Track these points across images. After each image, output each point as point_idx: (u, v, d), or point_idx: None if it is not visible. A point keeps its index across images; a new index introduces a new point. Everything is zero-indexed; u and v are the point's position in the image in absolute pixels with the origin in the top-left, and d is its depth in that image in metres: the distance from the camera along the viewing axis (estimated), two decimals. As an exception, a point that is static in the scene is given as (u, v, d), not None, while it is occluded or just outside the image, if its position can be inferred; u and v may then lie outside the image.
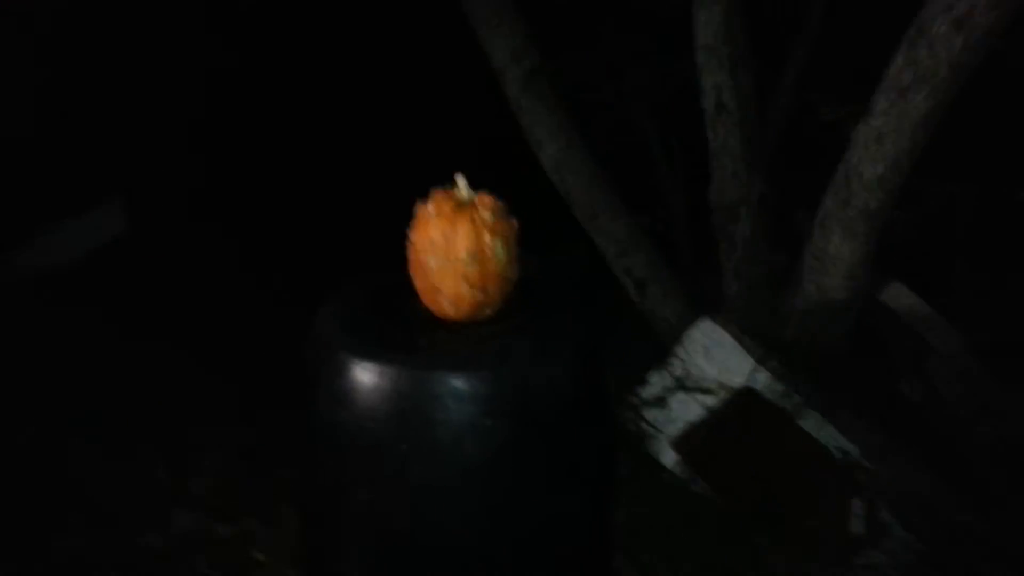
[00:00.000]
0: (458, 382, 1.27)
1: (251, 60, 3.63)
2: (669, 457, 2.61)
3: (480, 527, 1.31)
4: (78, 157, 3.18)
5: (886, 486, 2.28)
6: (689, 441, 2.61)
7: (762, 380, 2.60)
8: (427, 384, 1.28)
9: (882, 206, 2.36)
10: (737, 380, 2.63)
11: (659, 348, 2.88)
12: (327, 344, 1.36)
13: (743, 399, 2.61)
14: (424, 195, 1.41)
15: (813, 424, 2.49)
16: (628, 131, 3.42)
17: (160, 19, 3.38)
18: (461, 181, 1.41)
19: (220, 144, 3.54)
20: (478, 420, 1.27)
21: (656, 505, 2.43)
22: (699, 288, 3.14)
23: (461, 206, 1.38)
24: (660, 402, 2.73)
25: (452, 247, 1.36)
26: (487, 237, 1.36)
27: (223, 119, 3.55)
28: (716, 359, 2.72)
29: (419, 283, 1.41)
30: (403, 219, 1.42)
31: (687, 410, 2.68)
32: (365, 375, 1.29)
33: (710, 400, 2.67)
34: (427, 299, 1.41)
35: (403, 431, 1.28)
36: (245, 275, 3.31)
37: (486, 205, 1.39)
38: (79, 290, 3.12)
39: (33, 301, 3.02)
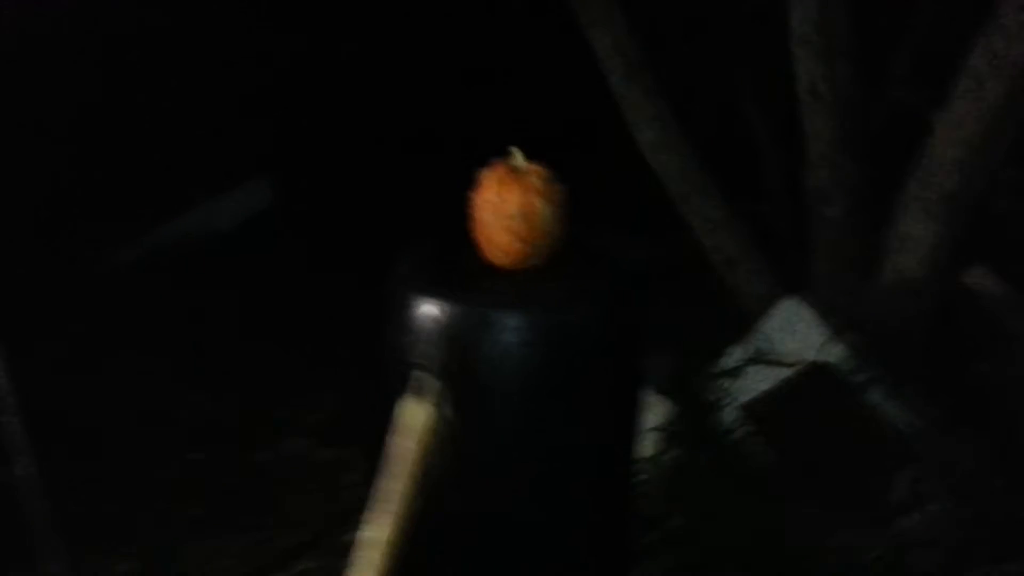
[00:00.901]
0: (499, 316, 1.53)
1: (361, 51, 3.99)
2: (734, 421, 2.75)
3: (513, 441, 1.56)
4: (229, 137, 3.64)
5: (936, 459, 2.34)
6: (757, 407, 2.74)
7: (835, 354, 2.70)
8: (472, 318, 1.54)
9: (961, 189, 2.41)
10: (813, 354, 2.74)
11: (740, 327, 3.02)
12: (399, 284, 1.64)
13: (814, 371, 2.73)
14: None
15: (877, 399, 2.58)
16: (731, 115, 3.54)
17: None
18: (516, 152, 1.65)
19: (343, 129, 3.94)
20: (516, 349, 1.52)
21: (713, 462, 2.59)
22: (792, 267, 3.24)
23: (514, 172, 1.62)
24: (737, 372, 2.88)
25: (504, 205, 1.60)
26: (534, 198, 1.60)
27: (345, 105, 3.95)
28: (796, 335, 2.83)
29: (478, 236, 1.67)
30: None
31: (761, 380, 2.81)
32: (424, 309, 1.57)
33: (784, 372, 2.79)
34: (484, 249, 1.67)
35: (451, 355, 1.54)
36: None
37: (536, 172, 1.62)
38: (229, 259, 3.58)
39: (187, 267, 3.48)
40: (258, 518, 2.53)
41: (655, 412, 2.79)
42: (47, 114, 3.05)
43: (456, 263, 1.69)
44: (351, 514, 2.49)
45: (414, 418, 1.47)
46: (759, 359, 2.85)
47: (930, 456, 2.43)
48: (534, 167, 1.64)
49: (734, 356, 2.90)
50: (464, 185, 1.69)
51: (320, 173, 4.02)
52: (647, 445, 2.71)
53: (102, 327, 2.93)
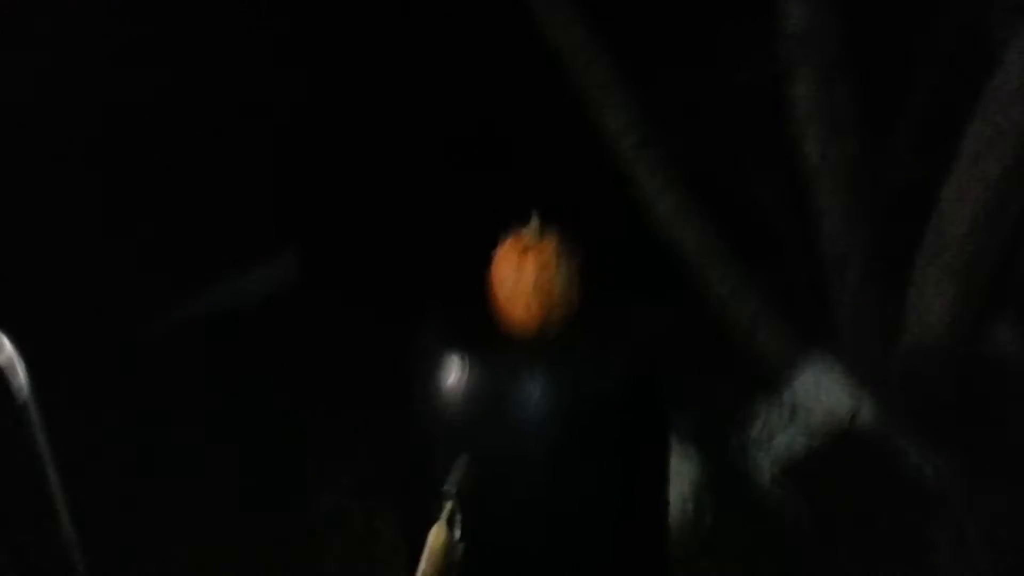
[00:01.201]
0: (524, 375, 1.61)
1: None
2: (770, 481, 2.77)
3: (534, 496, 1.63)
4: (258, 212, 3.79)
5: (977, 517, 2.34)
6: (791, 466, 2.76)
7: (867, 415, 2.73)
8: (499, 377, 1.64)
9: (972, 257, 2.48)
10: (844, 414, 2.77)
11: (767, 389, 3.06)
12: (426, 349, 1.73)
13: (847, 432, 2.75)
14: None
15: (910, 460, 2.59)
16: (746, 185, 3.65)
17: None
18: (534, 221, 1.74)
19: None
20: (533, 412, 1.60)
21: (748, 519, 2.60)
22: (814, 332, 3.29)
23: (528, 247, 1.72)
24: (767, 435, 2.91)
25: (520, 282, 1.70)
26: (549, 272, 1.70)
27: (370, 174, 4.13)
28: (823, 398, 2.88)
29: (497, 308, 1.76)
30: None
31: (792, 443, 2.84)
32: (452, 371, 1.66)
33: (816, 436, 2.82)
34: (504, 320, 1.75)
35: (477, 415, 1.62)
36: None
37: (551, 244, 1.72)
38: (258, 329, 3.69)
39: (215, 340, 3.58)
40: (298, 568, 2.59)
41: (684, 464, 2.81)
42: (68, 186, 3.20)
43: (478, 331, 1.78)
44: (384, 558, 2.55)
45: (436, 540, 1.55)
46: (786, 422, 2.89)
47: (968, 515, 2.44)
48: (549, 239, 1.74)
49: (761, 419, 2.94)
50: (485, 252, 1.79)
51: (347, 243, 4.16)
52: (680, 500, 2.72)
53: (131, 398, 3.02)
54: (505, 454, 1.61)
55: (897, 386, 2.77)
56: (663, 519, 1.87)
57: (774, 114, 3.06)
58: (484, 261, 1.79)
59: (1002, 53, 2.20)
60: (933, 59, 3.26)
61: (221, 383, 3.25)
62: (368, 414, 3.23)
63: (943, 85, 3.19)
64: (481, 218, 2.01)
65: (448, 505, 1.55)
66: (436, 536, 1.54)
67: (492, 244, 1.78)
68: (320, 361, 3.52)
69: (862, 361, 2.96)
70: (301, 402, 3.34)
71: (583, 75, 3.13)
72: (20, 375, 1.84)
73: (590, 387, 1.64)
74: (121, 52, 3.31)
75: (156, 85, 3.53)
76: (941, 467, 2.51)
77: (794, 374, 2.95)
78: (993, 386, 2.83)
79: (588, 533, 1.67)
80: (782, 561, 2.41)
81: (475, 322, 1.80)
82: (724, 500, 2.68)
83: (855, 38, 2.95)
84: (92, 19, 3.21)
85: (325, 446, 3.23)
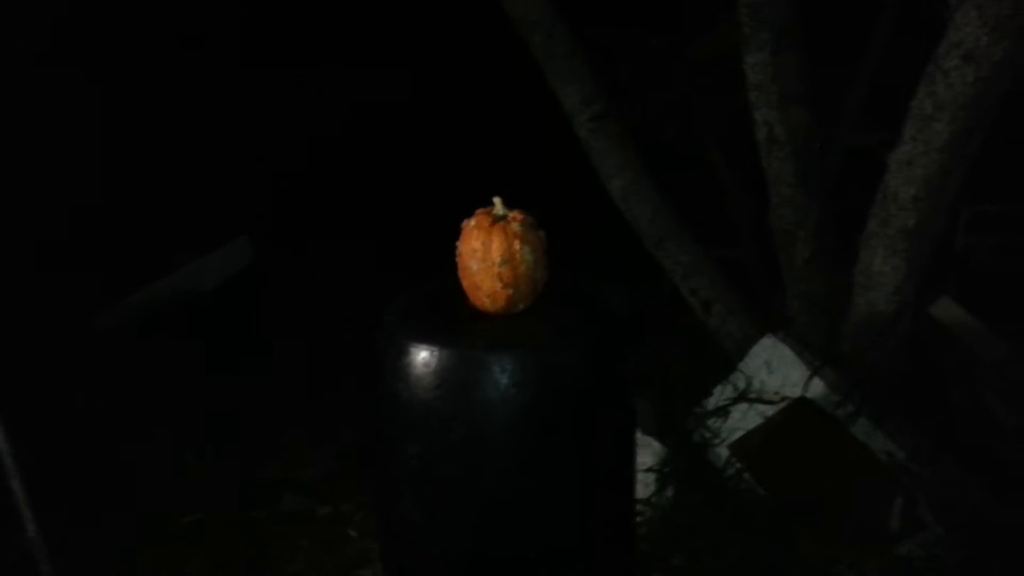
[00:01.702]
0: (489, 360, 1.60)
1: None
2: (724, 460, 2.81)
3: (506, 478, 1.61)
4: (211, 198, 3.73)
5: (927, 486, 2.41)
6: (745, 445, 2.81)
7: (817, 390, 2.78)
8: (465, 361, 1.61)
9: (919, 224, 2.53)
10: (795, 391, 2.82)
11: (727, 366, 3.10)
12: (391, 332, 1.70)
13: (799, 407, 2.80)
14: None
15: (863, 430, 2.65)
16: (698, 162, 3.68)
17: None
18: (497, 200, 1.74)
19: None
20: (505, 391, 1.58)
21: (706, 502, 2.64)
22: (766, 307, 3.34)
23: (496, 220, 1.71)
24: (722, 412, 2.94)
25: (488, 252, 1.68)
26: (517, 244, 1.68)
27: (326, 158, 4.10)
28: (777, 372, 2.92)
29: (464, 283, 1.74)
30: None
31: (746, 419, 2.88)
32: (419, 355, 1.63)
33: (769, 410, 2.87)
34: (471, 296, 1.74)
35: (446, 398, 1.60)
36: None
37: (517, 219, 1.71)
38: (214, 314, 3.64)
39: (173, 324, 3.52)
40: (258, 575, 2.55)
41: (646, 453, 2.85)
42: (31, 174, 3.12)
43: (444, 310, 1.77)
44: (350, 569, 2.53)
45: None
46: (743, 398, 2.93)
47: (919, 484, 2.50)
48: (516, 214, 1.73)
49: (719, 396, 2.98)
50: (449, 233, 1.77)
51: (302, 227, 4.13)
52: (640, 486, 2.75)
53: (87, 389, 2.96)
54: (473, 436, 1.59)
55: (847, 359, 2.82)
56: (630, 498, 1.88)
57: (730, 84, 3.09)
58: (449, 241, 1.77)
59: (949, 16, 2.23)
60: (886, 25, 3.32)
61: (174, 375, 3.20)
62: (333, 408, 3.20)
63: (897, 52, 3.24)
64: (451, 199, 2.00)
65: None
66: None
67: (456, 225, 1.77)
68: (288, 349, 3.49)
69: (813, 334, 3.01)
70: (266, 395, 3.29)
71: (541, 47, 3.12)
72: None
73: (555, 363, 1.62)
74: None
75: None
76: (893, 442, 2.56)
77: (748, 353, 2.99)
78: (939, 357, 2.90)
79: (556, 512, 1.66)
80: (747, 545, 2.44)
81: (441, 301, 1.79)
82: (686, 484, 2.70)
83: (808, 5, 2.99)
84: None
85: (288, 444, 3.19)
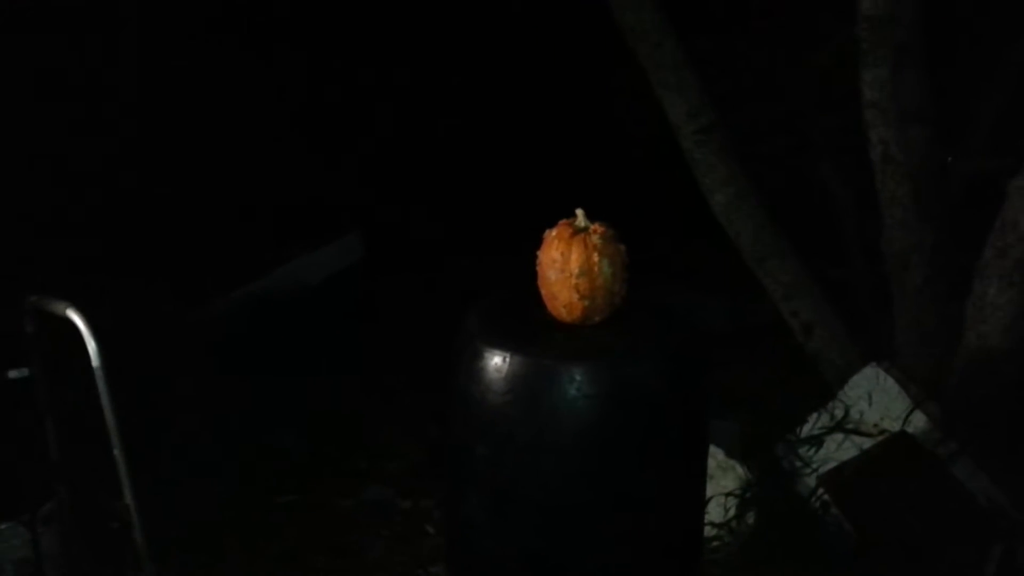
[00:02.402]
0: (558, 369, 1.61)
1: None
2: (814, 490, 2.71)
3: (569, 488, 1.62)
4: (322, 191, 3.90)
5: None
6: (836, 477, 2.70)
7: (919, 424, 2.66)
8: (535, 369, 1.62)
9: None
10: (895, 424, 2.70)
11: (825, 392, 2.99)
12: (469, 336, 1.74)
13: (897, 441, 2.68)
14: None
15: (964, 471, 2.52)
16: (809, 180, 3.56)
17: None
18: (579, 212, 1.74)
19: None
20: (572, 400, 1.59)
21: (787, 532, 2.56)
22: (872, 335, 3.20)
23: (577, 232, 1.72)
24: (816, 441, 2.84)
25: (567, 263, 1.69)
26: (596, 257, 1.69)
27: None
28: (878, 404, 2.80)
29: (543, 292, 1.75)
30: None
31: (841, 450, 2.78)
32: (492, 359, 1.66)
33: (866, 442, 2.75)
34: (548, 306, 1.75)
35: (515, 403, 1.62)
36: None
37: (598, 232, 1.71)
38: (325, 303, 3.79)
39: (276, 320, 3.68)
40: (338, 561, 2.63)
41: (729, 477, 2.79)
42: (139, 168, 3.33)
43: (522, 318, 1.79)
44: (424, 564, 2.59)
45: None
46: (840, 428, 2.82)
47: (1020, 531, 2.36)
48: (597, 226, 1.73)
49: (814, 424, 2.88)
50: (534, 242, 1.79)
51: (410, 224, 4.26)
52: (720, 510, 2.70)
53: (191, 377, 3.13)
54: (540, 442, 1.60)
55: (954, 394, 2.67)
56: (697, 520, 1.84)
57: (847, 100, 2.98)
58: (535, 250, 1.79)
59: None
60: (1017, 48, 3.13)
61: (277, 365, 3.34)
62: (423, 404, 3.27)
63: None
64: (536, 210, 2.03)
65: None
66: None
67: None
68: (379, 348, 3.59)
69: (920, 366, 2.87)
70: (358, 388, 3.40)
71: (649, 57, 3.10)
72: (91, 345, 1.94)
73: (624, 376, 1.62)
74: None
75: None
76: (995, 486, 2.41)
77: (849, 381, 2.88)
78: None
79: (615, 526, 1.65)
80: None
81: (520, 308, 1.81)
82: (769, 512, 2.62)
83: (934, 24, 2.85)
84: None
85: (378, 436, 3.28)
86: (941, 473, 2.53)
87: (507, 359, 1.64)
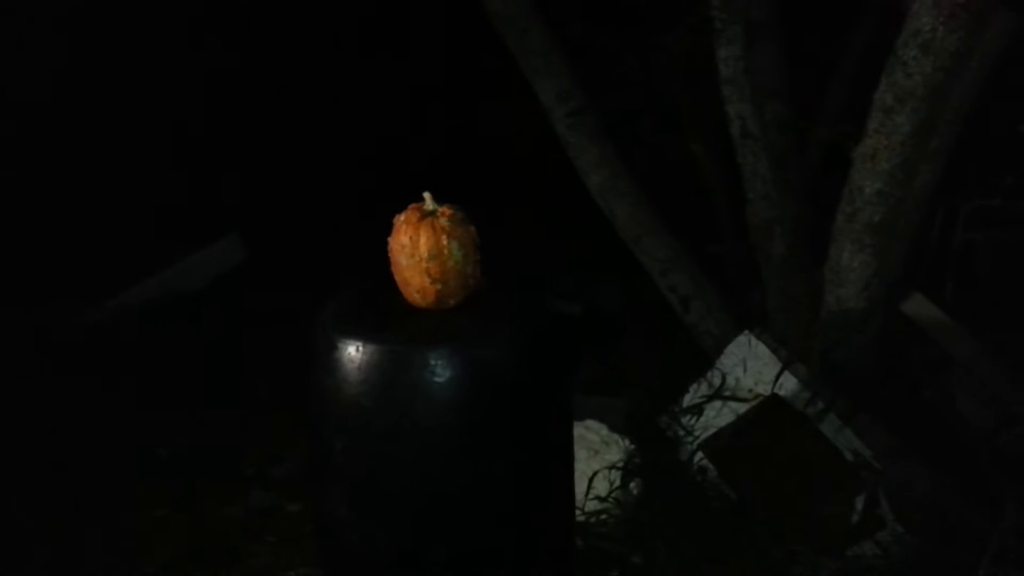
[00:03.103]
0: (413, 354, 1.60)
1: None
2: (695, 458, 2.79)
3: (429, 472, 1.62)
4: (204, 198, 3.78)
5: (889, 484, 2.38)
6: (714, 443, 2.79)
7: (788, 387, 2.76)
8: (388, 356, 1.61)
9: (885, 219, 2.49)
10: (768, 388, 2.79)
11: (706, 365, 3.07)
12: (323, 327, 1.72)
13: (769, 405, 2.78)
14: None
15: (831, 428, 2.62)
16: (676, 157, 3.65)
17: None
18: (427, 195, 1.74)
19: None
20: (427, 386, 1.59)
21: (672, 499, 2.62)
22: (747, 305, 3.31)
23: (425, 215, 1.71)
24: (696, 410, 2.92)
25: (416, 248, 1.69)
26: (445, 239, 1.69)
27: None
28: (752, 369, 2.89)
29: (396, 279, 1.75)
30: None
31: (720, 417, 2.86)
32: (346, 349, 1.64)
33: (742, 408, 2.84)
34: (403, 291, 1.75)
35: (371, 393, 1.61)
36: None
37: (445, 214, 1.71)
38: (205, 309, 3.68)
39: (166, 321, 3.58)
40: (222, 572, 2.57)
41: (613, 451, 2.84)
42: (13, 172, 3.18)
43: (377, 306, 1.77)
44: (315, 566, 2.54)
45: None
46: (717, 395, 2.91)
47: (884, 482, 2.48)
48: (445, 208, 1.73)
49: (694, 394, 2.96)
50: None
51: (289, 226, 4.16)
52: (605, 483, 2.75)
53: (69, 386, 3.01)
54: (394, 428, 1.60)
55: (819, 356, 2.79)
56: (567, 497, 1.86)
57: (707, 78, 3.06)
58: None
59: (909, 6, 2.19)
60: (871, 18, 3.27)
61: (155, 371, 3.24)
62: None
63: (882, 45, 3.19)
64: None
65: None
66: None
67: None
68: (258, 351, 3.50)
69: (790, 332, 2.98)
70: (239, 392, 3.32)
71: (517, 43, 3.11)
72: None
73: (478, 358, 1.62)
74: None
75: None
76: (861, 441, 2.53)
77: (723, 350, 2.97)
78: (911, 353, 2.86)
79: (481, 511, 1.66)
80: (707, 545, 2.42)
81: (377, 297, 1.79)
82: (651, 482, 2.69)
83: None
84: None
85: (261, 441, 3.20)
86: (809, 432, 2.64)
87: (360, 348, 1.63)
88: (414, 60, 4.69)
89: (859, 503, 2.42)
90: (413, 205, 1.75)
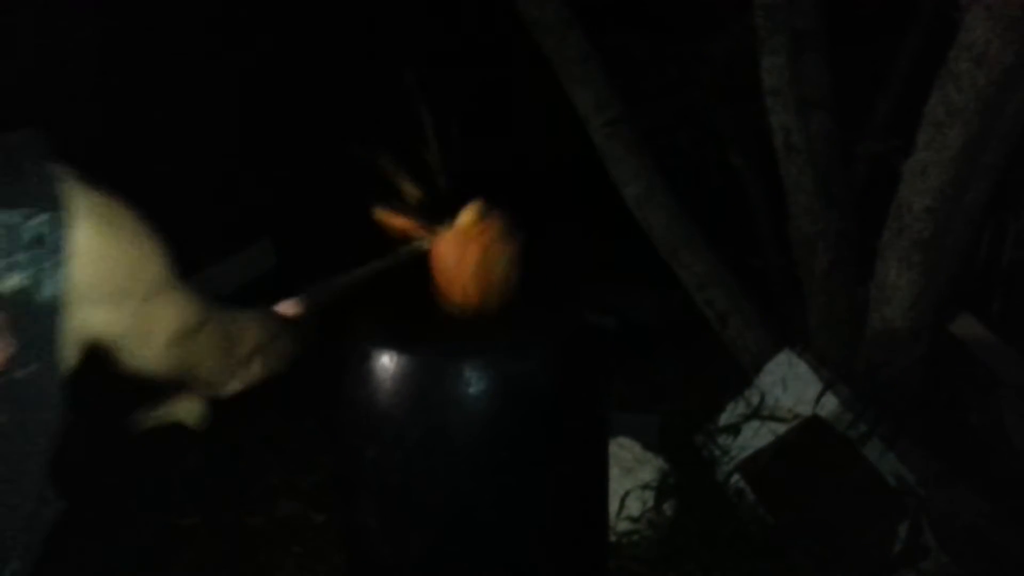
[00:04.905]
0: (447, 366, 1.56)
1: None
2: (731, 479, 2.72)
3: (461, 485, 1.58)
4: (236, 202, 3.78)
5: (934, 511, 2.29)
6: (752, 464, 2.71)
7: (830, 408, 2.67)
8: (422, 367, 1.58)
9: (934, 236, 2.41)
10: (808, 409, 2.71)
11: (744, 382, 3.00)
12: (356, 337, 1.68)
13: (810, 426, 2.70)
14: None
15: (874, 452, 2.54)
16: (719, 169, 3.59)
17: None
18: (474, 204, 1.70)
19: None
20: (460, 398, 1.55)
21: (707, 520, 2.55)
22: (787, 321, 3.23)
23: (471, 224, 1.67)
24: (733, 429, 2.85)
25: (463, 257, 1.65)
26: (491, 250, 1.65)
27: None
28: (792, 389, 2.81)
29: (438, 287, 1.71)
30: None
31: (758, 437, 2.78)
32: (379, 359, 1.60)
33: (781, 428, 2.76)
34: (443, 300, 1.71)
35: (403, 404, 1.57)
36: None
37: (493, 224, 1.67)
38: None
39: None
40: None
41: (647, 469, 2.77)
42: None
43: (414, 314, 1.74)
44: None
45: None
46: (755, 415, 2.83)
47: (928, 509, 2.39)
48: (491, 218, 1.69)
49: (730, 412, 2.88)
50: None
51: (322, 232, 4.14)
52: (638, 503, 2.69)
53: (97, 393, 2.99)
54: (426, 440, 1.56)
55: (863, 377, 2.70)
56: (602, 512, 1.81)
57: (750, 89, 3.00)
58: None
59: (962, 18, 2.12)
60: (919, 30, 3.19)
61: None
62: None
63: (925, 56, 3.12)
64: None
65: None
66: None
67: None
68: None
69: (832, 350, 2.90)
70: (268, 400, 3.29)
71: (554, 50, 3.08)
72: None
73: (511, 372, 1.58)
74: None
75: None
76: (905, 465, 2.44)
77: (763, 368, 2.89)
78: (958, 374, 2.77)
79: (512, 526, 1.62)
80: (744, 572, 2.35)
81: (412, 306, 1.76)
82: (687, 502, 2.62)
83: (832, 9, 2.89)
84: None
85: (289, 451, 3.17)
86: (851, 455, 2.55)
87: (393, 358, 1.59)
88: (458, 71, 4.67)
89: (902, 531, 2.33)
90: (462, 213, 1.71)
